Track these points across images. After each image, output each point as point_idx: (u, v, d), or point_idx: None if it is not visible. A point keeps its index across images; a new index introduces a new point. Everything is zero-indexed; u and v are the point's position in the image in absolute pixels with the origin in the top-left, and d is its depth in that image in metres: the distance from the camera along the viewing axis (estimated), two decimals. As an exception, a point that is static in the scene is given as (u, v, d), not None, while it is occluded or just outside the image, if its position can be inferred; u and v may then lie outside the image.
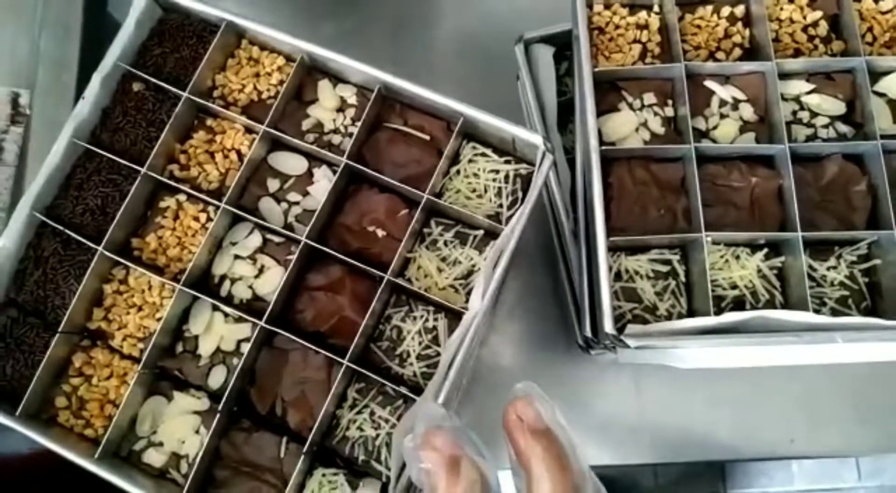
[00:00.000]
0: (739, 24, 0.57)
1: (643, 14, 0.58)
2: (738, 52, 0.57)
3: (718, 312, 0.53)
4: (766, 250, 0.54)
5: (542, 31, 0.71)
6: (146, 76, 0.54)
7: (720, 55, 0.57)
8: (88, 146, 0.54)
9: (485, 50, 0.86)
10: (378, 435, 0.51)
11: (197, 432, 0.52)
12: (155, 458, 0.52)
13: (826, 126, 0.56)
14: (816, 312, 0.53)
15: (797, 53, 0.57)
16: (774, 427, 0.78)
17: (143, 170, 0.53)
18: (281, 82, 0.56)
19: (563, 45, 0.72)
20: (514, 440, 0.35)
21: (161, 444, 0.52)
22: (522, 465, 0.35)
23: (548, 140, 0.52)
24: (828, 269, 0.54)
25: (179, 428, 0.52)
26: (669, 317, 0.55)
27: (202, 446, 0.51)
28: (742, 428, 0.78)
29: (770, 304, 0.54)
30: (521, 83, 0.74)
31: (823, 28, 0.57)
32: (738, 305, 0.54)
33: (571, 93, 0.74)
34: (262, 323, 0.51)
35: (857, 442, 0.80)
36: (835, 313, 0.54)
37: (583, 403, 0.74)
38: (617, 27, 0.58)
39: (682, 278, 0.55)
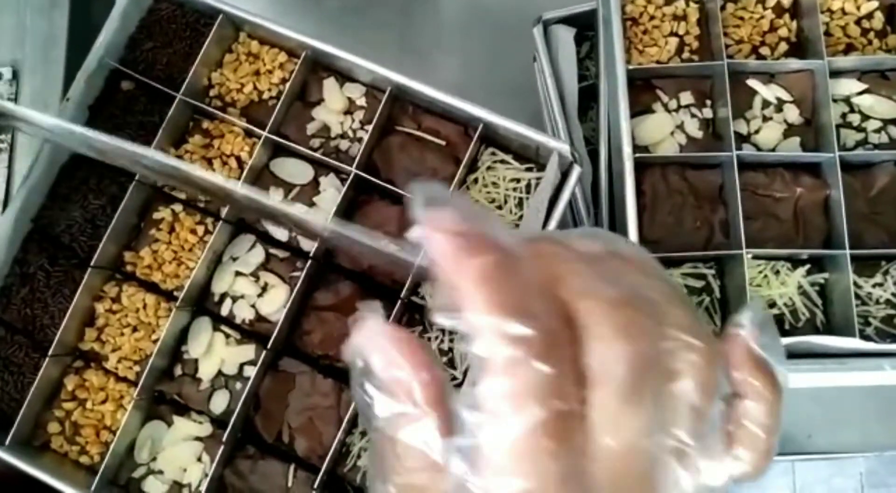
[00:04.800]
0: (787, 15, 0.52)
1: (681, 3, 0.52)
2: (783, 46, 0.52)
3: (756, 333, 0.50)
4: (808, 266, 0.50)
5: (562, 12, 0.66)
6: (136, 75, 0.50)
7: (764, 51, 0.52)
8: (74, 153, 0.50)
9: (499, 27, 0.81)
10: (391, 464, 0.48)
11: (199, 459, 0.49)
12: (156, 487, 0.49)
13: (878, 130, 0.51)
14: (861, 332, 0.49)
15: (849, 49, 0.52)
16: (792, 423, 0.76)
17: (134, 178, 0.49)
18: (283, 81, 0.51)
19: (584, 25, 0.66)
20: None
21: (161, 472, 0.49)
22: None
23: (575, 149, 0.48)
24: (873, 286, 0.50)
25: (180, 455, 0.49)
26: (702, 336, 0.51)
27: (206, 474, 0.48)
28: (760, 423, 0.76)
29: (810, 324, 0.50)
30: (538, 67, 0.69)
31: (879, 21, 0.52)
32: (777, 324, 0.50)
33: (592, 78, 0.69)
34: (266, 348, 0.47)
35: (876, 438, 0.77)
36: (879, 333, 0.50)
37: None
38: (652, 18, 0.53)
39: (717, 294, 0.51)
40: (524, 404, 0.16)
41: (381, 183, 0.49)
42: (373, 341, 0.19)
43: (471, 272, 0.16)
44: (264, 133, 0.49)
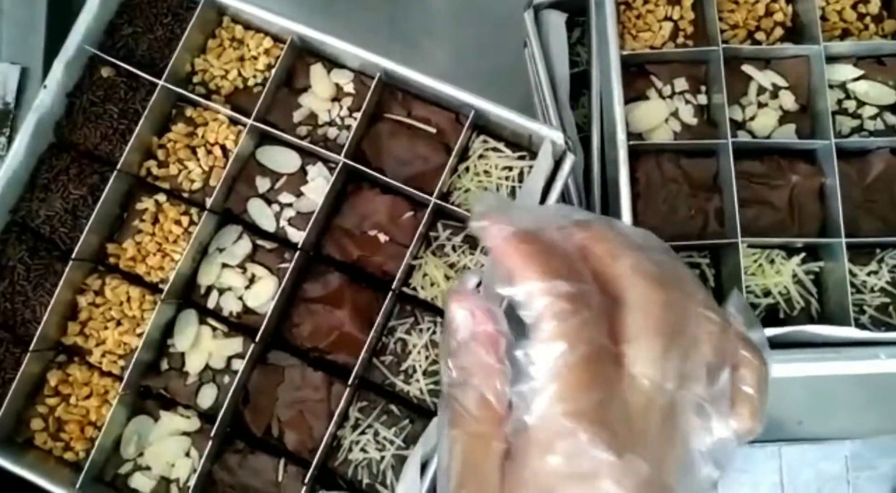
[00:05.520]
0: (782, 0, 0.51)
1: (675, -13, 0.51)
2: (779, 31, 0.51)
3: (751, 322, 0.49)
4: (803, 254, 0.50)
5: (553, -4, 0.65)
6: (116, 61, 0.48)
7: (760, 36, 0.51)
8: (54, 141, 0.48)
9: (489, 12, 0.80)
10: (383, 458, 0.48)
11: (187, 454, 0.48)
12: (143, 483, 0.48)
13: (874, 117, 0.50)
14: (855, 320, 0.49)
15: (845, 34, 0.51)
16: (783, 409, 0.76)
17: (116, 167, 0.47)
18: (269, 67, 0.50)
19: (575, 10, 0.65)
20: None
21: (149, 468, 0.48)
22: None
23: (568, 137, 0.47)
24: (868, 274, 0.50)
25: (168, 450, 0.48)
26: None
27: (194, 470, 0.47)
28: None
29: (805, 312, 0.50)
30: (529, 52, 0.67)
31: (875, 5, 0.51)
32: (772, 313, 0.50)
33: (584, 64, 0.68)
34: (254, 341, 0.46)
35: (865, 424, 0.78)
36: (874, 321, 0.50)
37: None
38: (646, 2, 0.52)
39: (712, 283, 0.51)
40: (568, 342, 0.21)
41: (371, 172, 0.48)
42: (469, 299, 0.24)
43: (522, 253, 0.22)
44: (250, 121, 0.48)
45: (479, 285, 0.25)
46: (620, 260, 0.23)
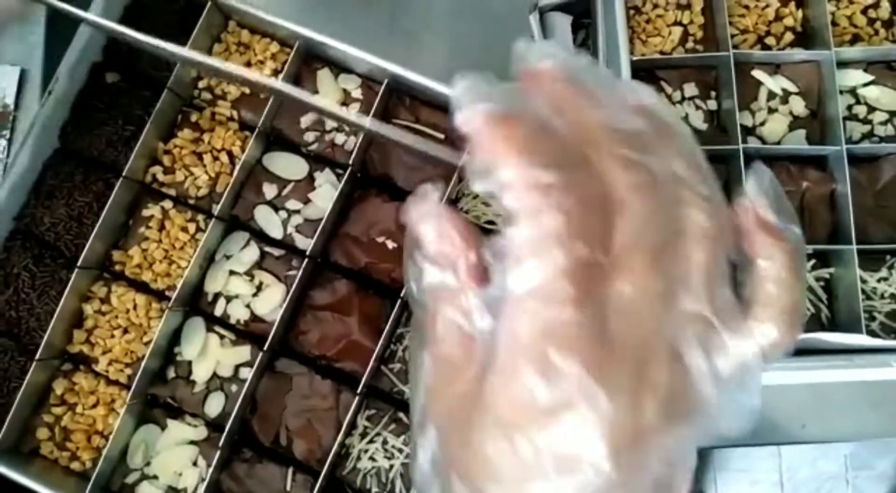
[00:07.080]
0: (792, 4, 0.51)
1: (685, -8, 0.51)
2: (789, 36, 0.51)
3: (760, 329, 0.49)
4: (813, 261, 0.50)
5: (558, -1, 0.64)
6: (121, 66, 0.48)
7: (770, 41, 0.51)
8: (58, 147, 0.48)
9: (492, 13, 0.79)
10: (392, 466, 0.47)
11: (195, 463, 0.48)
12: (150, 492, 0.48)
13: (884, 123, 0.50)
14: (866, 327, 0.49)
15: (855, 39, 0.51)
16: (786, 412, 0.76)
17: (122, 174, 0.47)
18: (276, 72, 0.49)
19: (580, 13, 0.65)
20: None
21: (156, 477, 0.48)
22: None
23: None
24: (878, 280, 0.50)
25: (175, 460, 0.48)
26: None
27: (202, 479, 0.47)
28: (752, 412, 0.76)
29: (815, 319, 0.50)
30: (533, 54, 0.67)
31: (886, 10, 0.50)
32: (781, 320, 0.50)
33: (589, 66, 0.68)
34: (262, 349, 0.46)
35: (868, 427, 0.78)
36: (884, 328, 0.50)
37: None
38: (655, 6, 0.51)
39: (721, 290, 0.51)
40: (546, 249, 0.16)
41: (384, 174, 0.47)
42: (429, 215, 0.19)
43: (498, 136, 0.17)
44: (257, 126, 0.47)
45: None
46: (608, 150, 0.18)
